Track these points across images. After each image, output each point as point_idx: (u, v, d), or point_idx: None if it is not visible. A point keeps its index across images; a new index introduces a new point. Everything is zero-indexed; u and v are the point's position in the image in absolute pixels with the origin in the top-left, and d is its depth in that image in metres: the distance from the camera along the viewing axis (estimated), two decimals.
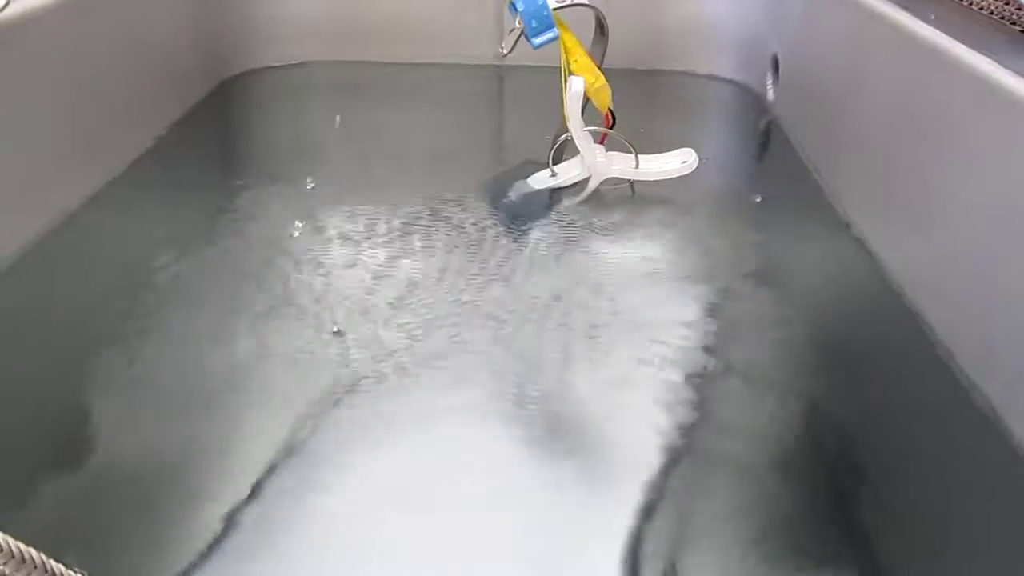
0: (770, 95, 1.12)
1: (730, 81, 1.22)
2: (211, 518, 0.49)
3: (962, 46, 0.64)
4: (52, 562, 0.34)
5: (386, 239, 0.78)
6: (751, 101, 1.16)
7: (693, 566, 0.47)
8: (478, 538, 0.49)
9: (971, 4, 0.79)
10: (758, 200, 0.88)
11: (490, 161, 0.99)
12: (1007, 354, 0.56)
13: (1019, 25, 0.71)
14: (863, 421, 0.58)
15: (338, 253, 0.76)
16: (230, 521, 0.49)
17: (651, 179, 0.87)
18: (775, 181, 0.96)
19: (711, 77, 1.24)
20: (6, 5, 0.70)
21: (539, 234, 0.80)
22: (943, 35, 0.67)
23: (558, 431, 0.56)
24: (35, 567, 0.32)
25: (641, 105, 1.15)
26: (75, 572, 0.33)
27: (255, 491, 0.51)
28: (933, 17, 0.72)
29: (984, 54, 0.62)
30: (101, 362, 0.61)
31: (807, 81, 0.99)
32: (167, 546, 0.48)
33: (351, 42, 1.26)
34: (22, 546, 0.33)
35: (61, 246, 0.76)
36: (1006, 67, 0.59)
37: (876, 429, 0.58)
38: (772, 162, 1.01)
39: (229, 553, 0.47)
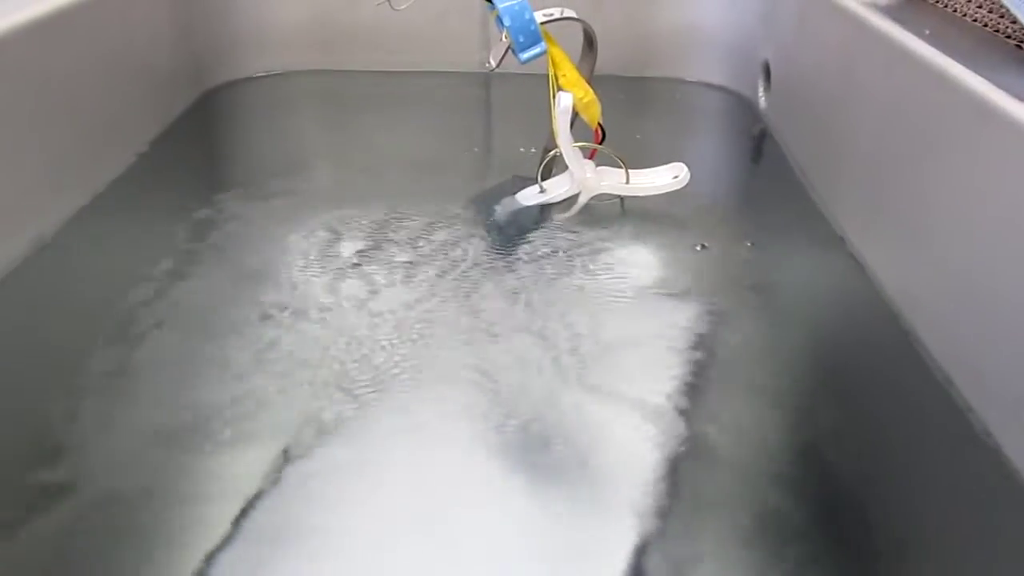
0: (762, 103, 1.10)
1: (722, 88, 1.21)
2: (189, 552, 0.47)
3: (957, 64, 0.63)
4: None
5: (371, 255, 0.77)
6: (743, 109, 1.15)
7: None
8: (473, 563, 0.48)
9: (965, 16, 0.78)
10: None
11: (477, 175, 0.98)
12: (1006, 379, 0.55)
13: (1015, 39, 0.70)
14: (859, 445, 0.57)
15: (322, 269, 0.74)
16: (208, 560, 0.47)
17: (642, 194, 0.86)
18: (767, 193, 0.94)
19: (702, 84, 1.22)
20: None
21: (527, 251, 0.79)
22: (936, 51, 0.66)
23: (545, 456, 0.55)
24: None
25: (632, 112, 1.14)
26: None
27: (240, 517, 0.49)
28: (928, 32, 0.71)
29: (978, 71, 0.61)
30: (84, 388, 0.60)
31: (799, 90, 0.98)
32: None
33: (334, 51, 1.24)
34: None
35: (43, 269, 0.74)
36: (1001, 86, 0.58)
37: (872, 453, 0.57)
38: (764, 173, 0.99)
39: None
